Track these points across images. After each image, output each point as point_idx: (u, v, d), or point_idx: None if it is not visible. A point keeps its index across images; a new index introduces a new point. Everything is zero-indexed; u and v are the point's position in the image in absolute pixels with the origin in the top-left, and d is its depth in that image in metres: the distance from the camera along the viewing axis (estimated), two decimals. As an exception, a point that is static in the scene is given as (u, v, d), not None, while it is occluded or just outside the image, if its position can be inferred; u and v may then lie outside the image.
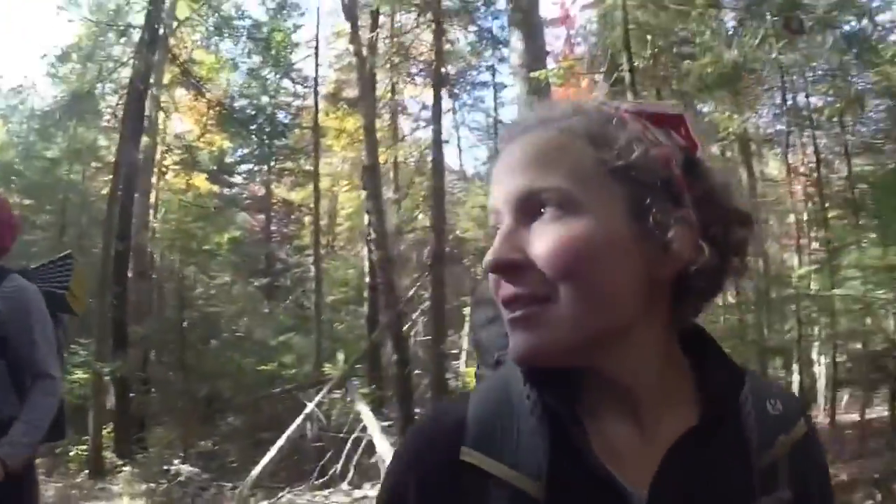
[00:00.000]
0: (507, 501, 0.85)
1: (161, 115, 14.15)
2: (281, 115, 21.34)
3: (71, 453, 10.92)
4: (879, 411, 9.25)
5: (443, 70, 14.95)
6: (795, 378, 10.09)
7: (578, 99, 0.96)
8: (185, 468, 10.63)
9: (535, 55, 10.10)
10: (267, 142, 20.47)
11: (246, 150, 22.58)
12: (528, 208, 0.84)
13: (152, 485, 9.72)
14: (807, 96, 10.70)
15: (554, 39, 18.53)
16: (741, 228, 0.89)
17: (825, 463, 1.01)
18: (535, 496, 0.84)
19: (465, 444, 0.89)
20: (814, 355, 11.13)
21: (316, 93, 14.64)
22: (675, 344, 0.93)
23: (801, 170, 12.15)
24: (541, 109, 0.94)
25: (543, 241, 0.82)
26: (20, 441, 2.90)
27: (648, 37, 9.85)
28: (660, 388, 0.90)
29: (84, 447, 10.85)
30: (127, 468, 10.44)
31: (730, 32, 9.17)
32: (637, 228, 0.83)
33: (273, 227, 25.39)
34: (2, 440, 2.85)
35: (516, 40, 10.53)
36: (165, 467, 10.46)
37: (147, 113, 13.24)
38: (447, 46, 15.63)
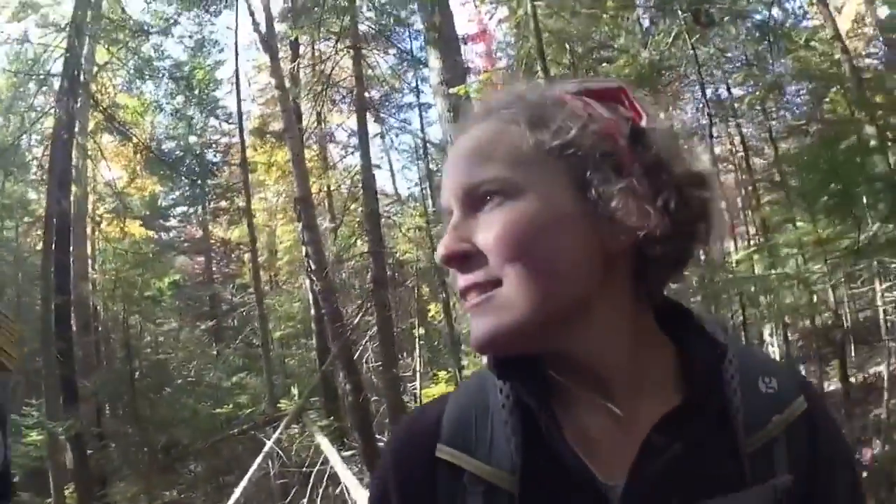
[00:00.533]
0: (482, 496, 0.86)
1: (89, 163, 13.86)
2: (210, 154, 21.14)
3: (34, 516, 10.57)
4: (836, 383, 9.47)
5: (366, 95, 14.97)
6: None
7: (521, 87, 0.94)
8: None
9: (454, 72, 10.19)
10: (198, 182, 20.20)
11: (178, 193, 22.31)
12: (472, 200, 0.85)
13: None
14: (728, 89, 11.06)
15: (475, 56, 18.89)
16: (698, 190, 0.86)
17: (839, 439, 0.95)
18: (509, 490, 0.85)
19: (440, 441, 0.91)
20: (766, 336, 11.40)
21: (241, 128, 14.53)
22: (649, 321, 0.92)
23: (731, 159, 12.55)
24: (484, 102, 0.96)
25: (487, 227, 0.83)
26: None
27: (567, 45, 10.09)
28: (633, 369, 0.88)
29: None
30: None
31: (644, 32, 9.41)
32: (582, 203, 0.82)
33: (214, 268, 25.02)
34: None
35: (434, 59, 10.63)
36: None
37: (74, 162, 12.96)
38: (368, 71, 15.66)
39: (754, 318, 10.03)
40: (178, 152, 18.08)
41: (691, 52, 9.10)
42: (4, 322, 3.30)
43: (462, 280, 0.85)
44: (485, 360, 0.97)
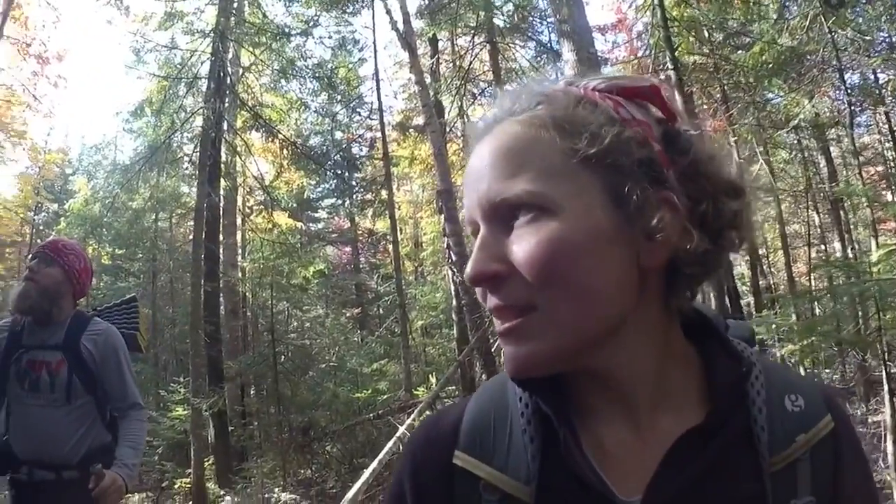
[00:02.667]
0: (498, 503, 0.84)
1: (238, 159, 14.75)
2: (355, 148, 21.93)
3: (176, 486, 11.45)
4: None
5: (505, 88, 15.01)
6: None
7: (544, 83, 0.89)
8: (285, 496, 10.96)
9: (588, 64, 10.06)
10: (344, 175, 21.01)
11: (326, 186, 23.32)
12: (501, 215, 0.80)
13: (254, 512, 10.10)
14: (874, 74, 10.24)
15: (613, 46, 18.51)
16: (733, 201, 0.83)
17: (862, 458, 0.91)
18: (524, 500, 0.83)
19: (458, 448, 0.89)
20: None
21: (382, 123, 14.94)
22: (677, 333, 0.89)
23: (878, 149, 11.63)
24: (505, 100, 0.88)
25: (521, 247, 0.78)
26: (132, 462, 3.44)
27: (694, 33, 9.72)
28: (658, 383, 0.85)
29: (187, 480, 11.32)
30: (228, 498, 10.86)
31: (779, 16, 8.90)
32: (619, 218, 0.78)
33: (361, 258, 25.98)
34: (117, 464, 3.36)
35: (567, 51, 10.54)
36: (266, 496, 10.80)
37: (223, 158, 13.87)
38: (506, 65, 15.72)
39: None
40: (324, 147, 18.85)
41: (828, 35, 8.57)
42: (142, 310, 4.10)
43: (493, 300, 0.81)
44: None
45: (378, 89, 14.71)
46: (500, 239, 0.80)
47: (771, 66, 9.19)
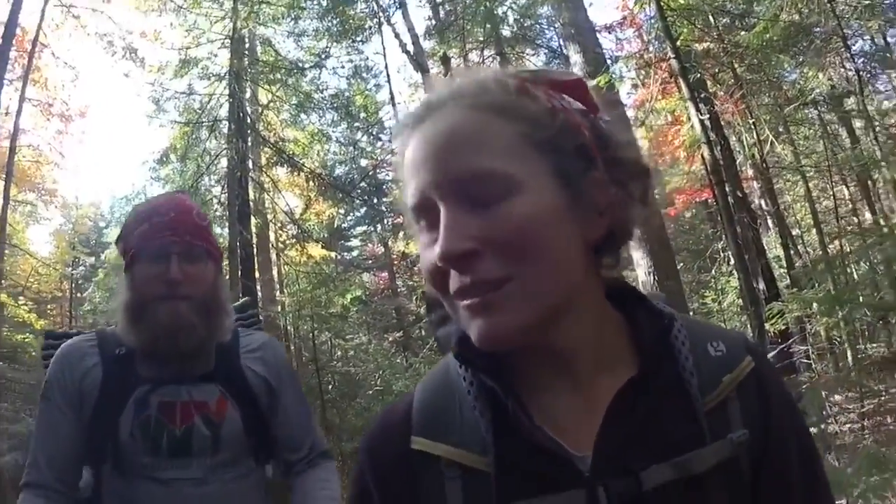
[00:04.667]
0: (460, 479, 0.90)
1: (266, 195, 15.03)
2: (382, 174, 22.15)
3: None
4: None
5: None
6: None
7: (473, 72, 0.94)
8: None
9: (595, 64, 10.14)
10: (373, 202, 21.20)
11: (356, 214, 23.55)
12: (465, 192, 0.83)
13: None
14: (884, 38, 10.16)
15: (620, 41, 18.46)
16: (645, 179, 0.93)
17: (785, 392, 0.99)
18: (485, 470, 0.88)
19: (413, 433, 0.94)
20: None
21: (402, 148, 15.19)
22: (606, 301, 0.96)
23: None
24: (440, 88, 0.92)
25: (496, 223, 0.81)
26: None
27: (711, 18, 9.72)
28: (597, 349, 0.92)
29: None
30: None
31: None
32: (567, 197, 0.84)
33: (399, 282, 26.11)
34: None
35: (573, 53, 10.65)
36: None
37: (251, 196, 14.16)
38: (518, 73, 15.83)
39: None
40: (350, 176, 19.08)
41: (827, 4, 8.55)
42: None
43: (462, 279, 0.83)
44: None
45: (395, 113, 14.92)
46: (465, 217, 0.82)
47: (776, 42, 9.16)
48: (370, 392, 16.45)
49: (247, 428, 2.08)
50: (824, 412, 7.58)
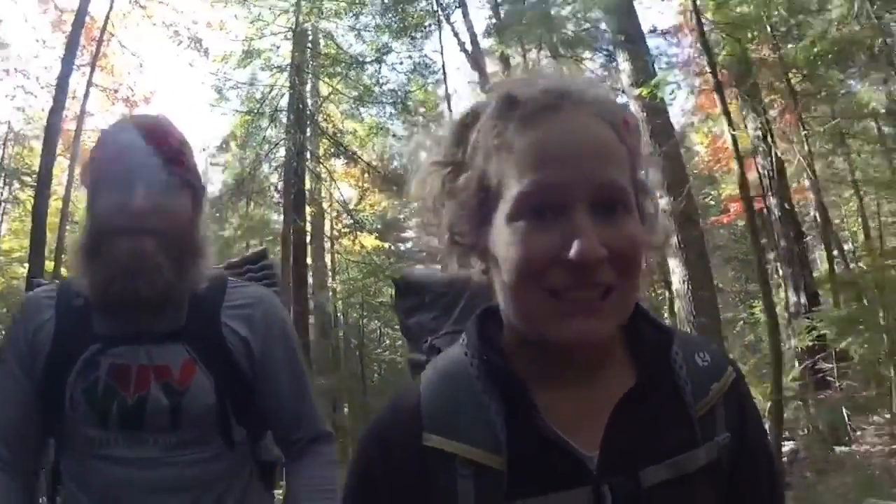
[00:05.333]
0: (473, 477, 0.91)
1: (323, 185, 15.42)
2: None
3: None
4: None
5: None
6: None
7: (581, 76, 1.05)
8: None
9: (645, 73, 10.12)
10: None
11: (413, 205, 23.85)
12: (599, 200, 0.86)
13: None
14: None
15: (680, 49, 18.26)
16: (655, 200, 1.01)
17: (753, 401, 1.09)
18: (498, 469, 0.90)
19: (425, 430, 0.94)
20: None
21: (454, 144, 15.43)
22: None
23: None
24: (555, 84, 0.94)
25: (623, 237, 0.86)
26: None
27: (734, 35, 9.65)
28: (604, 354, 0.97)
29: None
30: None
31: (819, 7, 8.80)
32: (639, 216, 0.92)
33: (451, 274, 26.37)
34: None
35: (623, 61, 10.68)
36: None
37: (308, 186, 14.59)
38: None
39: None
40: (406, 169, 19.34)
41: (875, 20, 8.43)
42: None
43: (578, 278, 0.85)
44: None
45: (450, 111, 15.16)
46: (597, 225, 0.85)
47: (826, 56, 9.08)
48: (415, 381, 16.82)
49: (220, 400, 1.67)
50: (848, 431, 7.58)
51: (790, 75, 10.78)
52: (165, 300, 1.63)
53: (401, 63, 16.07)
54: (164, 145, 1.66)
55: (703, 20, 9.21)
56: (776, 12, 9.05)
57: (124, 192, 1.58)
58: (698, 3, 7.81)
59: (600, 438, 0.92)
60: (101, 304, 1.64)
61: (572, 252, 0.83)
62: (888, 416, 9.21)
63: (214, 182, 15.75)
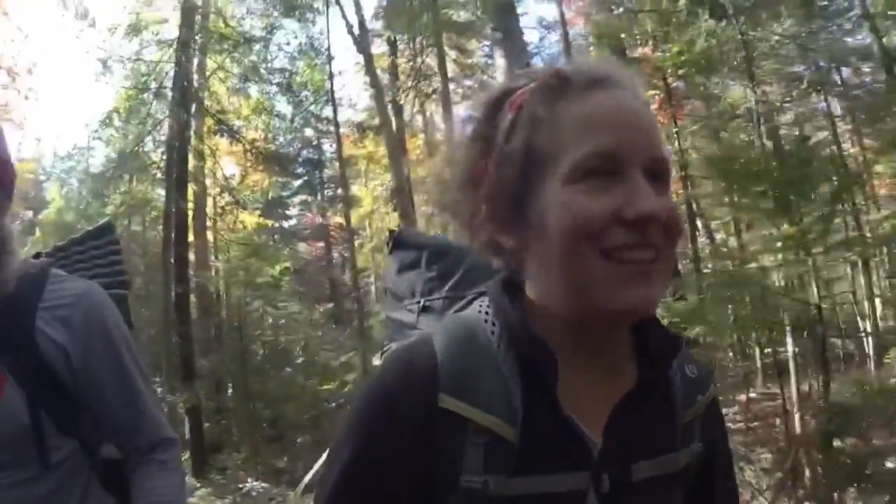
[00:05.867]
0: (484, 445, 0.92)
1: (205, 163, 15.21)
2: (326, 145, 22.43)
3: (152, 480, 11.97)
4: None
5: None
6: None
7: (614, 62, 1.05)
8: (257, 485, 11.52)
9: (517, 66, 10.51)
10: (315, 173, 21.45)
11: (298, 183, 23.80)
12: (651, 167, 0.91)
13: (227, 499, 10.64)
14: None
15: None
16: None
17: (723, 417, 1.19)
18: (509, 440, 0.92)
19: (441, 391, 0.93)
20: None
21: (337, 127, 15.54)
22: None
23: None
24: (616, 66, 1.00)
25: (667, 202, 0.91)
26: None
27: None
28: (619, 343, 1.02)
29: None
30: (202, 490, 11.37)
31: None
32: None
33: (335, 253, 26.38)
34: None
35: (499, 57, 11.04)
36: (240, 486, 11.35)
37: (192, 164, 14.36)
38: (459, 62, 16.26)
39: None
40: (290, 148, 19.30)
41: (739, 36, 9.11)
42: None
43: (633, 238, 0.89)
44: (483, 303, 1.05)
45: (332, 94, 15.33)
46: (651, 190, 0.89)
47: (694, 63, 9.74)
48: (299, 361, 16.89)
49: (34, 418, 1.52)
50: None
51: (666, 76, 11.57)
52: None
53: (287, 43, 16.06)
54: None
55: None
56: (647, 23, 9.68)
57: None
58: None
59: (602, 428, 0.96)
60: None
61: (634, 209, 0.87)
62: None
63: (97, 157, 15.40)
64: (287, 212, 25.08)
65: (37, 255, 1.86)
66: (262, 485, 11.55)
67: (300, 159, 19.39)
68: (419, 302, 1.37)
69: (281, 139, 18.87)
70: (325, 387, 14.76)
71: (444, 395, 0.92)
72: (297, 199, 25.66)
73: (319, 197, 24.64)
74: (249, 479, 11.82)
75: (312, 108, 18.54)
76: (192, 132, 14.07)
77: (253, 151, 15.61)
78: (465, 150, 1.03)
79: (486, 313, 1.01)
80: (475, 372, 0.94)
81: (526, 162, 0.94)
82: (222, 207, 18.05)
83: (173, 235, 13.68)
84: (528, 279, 1.00)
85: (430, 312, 1.32)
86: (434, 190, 1.09)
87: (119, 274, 1.94)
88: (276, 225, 20.85)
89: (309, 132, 20.73)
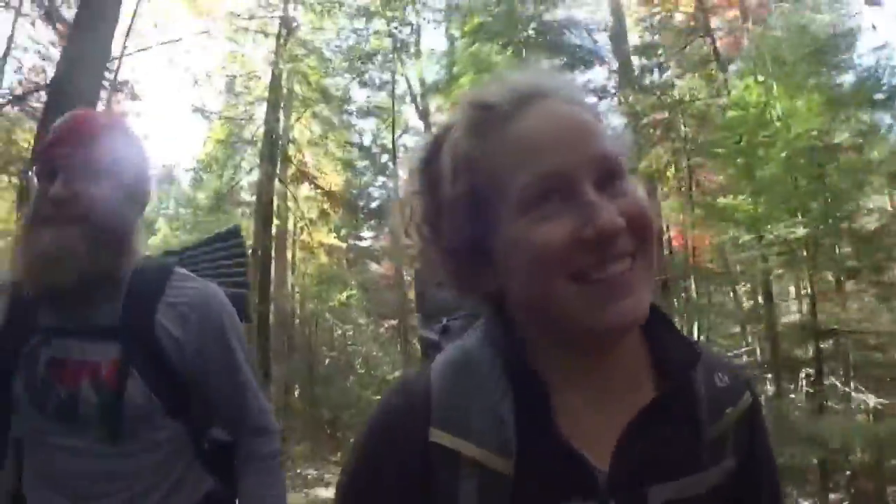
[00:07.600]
0: (478, 479, 0.89)
1: (286, 204, 17.65)
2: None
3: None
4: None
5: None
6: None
7: (552, 73, 1.05)
8: (314, 472, 13.91)
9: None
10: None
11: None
12: (605, 175, 0.87)
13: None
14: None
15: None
16: None
17: (766, 428, 1.06)
18: (504, 473, 0.88)
19: (433, 425, 0.91)
20: None
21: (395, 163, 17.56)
22: None
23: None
24: (549, 77, 0.99)
25: (631, 203, 0.87)
26: None
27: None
28: (630, 360, 0.96)
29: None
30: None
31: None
32: None
33: (405, 273, 28.19)
34: None
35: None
36: (300, 471, 13.72)
37: (276, 204, 16.88)
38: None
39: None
40: (364, 192, 21.30)
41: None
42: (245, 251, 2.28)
43: (599, 256, 0.84)
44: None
45: (394, 155, 17.49)
46: (605, 197, 0.86)
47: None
48: (361, 372, 19.20)
49: (164, 401, 1.71)
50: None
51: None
52: (89, 290, 1.65)
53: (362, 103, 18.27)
54: (87, 135, 1.68)
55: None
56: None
57: (49, 183, 1.64)
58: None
59: (611, 451, 0.91)
60: (31, 294, 1.65)
61: (593, 227, 0.83)
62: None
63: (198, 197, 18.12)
64: (361, 233, 27.02)
65: (165, 254, 2.11)
66: (318, 472, 13.87)
67: (367, 208, 20.90)
68: (440, 321, 1.42)
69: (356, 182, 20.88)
70: (378, 398, 16.85)
71: (435, 430, 0.91)
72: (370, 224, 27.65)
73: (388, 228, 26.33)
74: (310, 469, 14.19)
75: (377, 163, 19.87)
76: (276, 181, 16.46)
77: (331, 199, 17.84)
78: (415, 199, 1.00)
79: (484, 337, 0.99)
80: (468, 404, 0.92)
81: (474, 205, 0.92)
82: (302, 229, 20.21)
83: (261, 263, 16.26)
84: (516, 314, 0.96)
85: (449, 333, 1.35)
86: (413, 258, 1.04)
87: (241, 274, 2.08)
88: (351, 244, 22.59)
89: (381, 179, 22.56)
